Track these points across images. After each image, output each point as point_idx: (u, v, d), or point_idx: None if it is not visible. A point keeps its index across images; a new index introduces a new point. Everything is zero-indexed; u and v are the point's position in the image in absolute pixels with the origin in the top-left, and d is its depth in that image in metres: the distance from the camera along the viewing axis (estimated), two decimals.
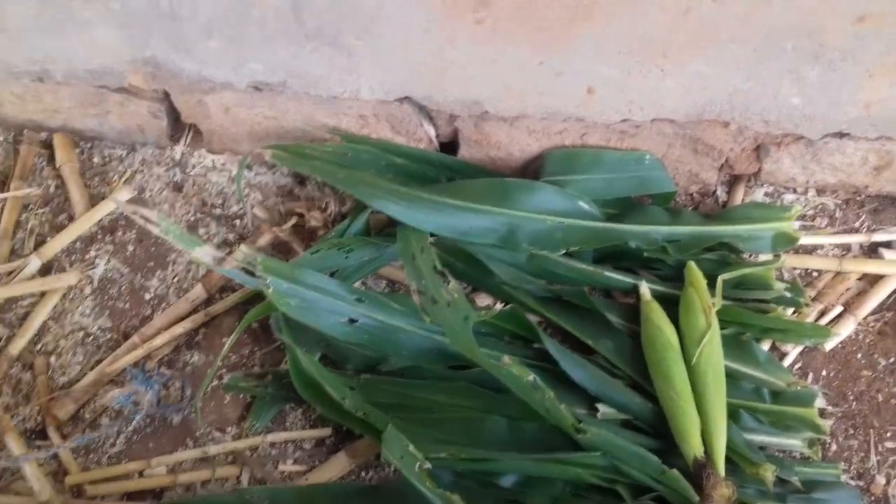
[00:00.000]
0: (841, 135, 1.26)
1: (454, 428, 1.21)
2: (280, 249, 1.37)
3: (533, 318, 1.36)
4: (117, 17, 1.15)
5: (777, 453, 1.26)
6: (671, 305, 1.29)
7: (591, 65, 1.15)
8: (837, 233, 1.42)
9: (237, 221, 1.40)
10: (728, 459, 1.17)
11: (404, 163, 1.35)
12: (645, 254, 1.30)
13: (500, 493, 1.18)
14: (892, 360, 1.32)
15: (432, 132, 1.34)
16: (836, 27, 1.05)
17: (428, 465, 1.05)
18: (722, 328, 1.26)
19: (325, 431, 1.26)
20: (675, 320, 1.27)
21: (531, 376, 1.13)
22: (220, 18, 1.13)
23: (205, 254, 1.10)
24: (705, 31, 1.07)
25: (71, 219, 1.39)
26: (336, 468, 1.23)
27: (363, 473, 1.25)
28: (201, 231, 1.39)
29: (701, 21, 1.05)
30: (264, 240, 1.35)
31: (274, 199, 1.39)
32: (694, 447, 1.16)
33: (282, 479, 1.23)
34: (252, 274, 1.13)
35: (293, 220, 1.33)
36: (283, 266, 1.16)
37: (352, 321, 1.20)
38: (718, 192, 1.45)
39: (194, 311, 1.31)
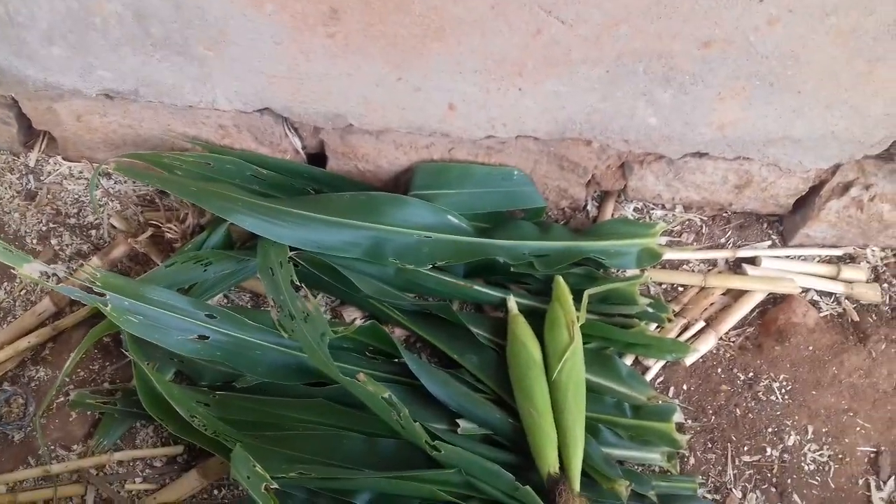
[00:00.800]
0: (700, 154, 1.29)
1: (309, 445, 1.18)
2: (138, 261, 1.32)
3: (402, 333, 1.35)
4: None
5: (636, 467, 1.27)
6: (540, 320, 1.29)
7: (449, 82, 1.14)
8: (703, 248, 1.45)
9: (93, 232, 1.35)
10: (585, 474, 1.18)
11: (269, 174, 1.32)
12: (512, 268, 1.30)
13: None
14: (750, 374, 1.34)
15: (298, 143, 1.31)
16: (684, 51, 1.07)
17: (274, 485, 1.02)
18: (586, 343, 1.27)
19: (177, 449, 1.22)
20: (541, 335, 1.27)
21: (386, 393, 1.11)
22: (59, 25, 1.08)
23: (33, 270, 1.05)
24: (557, 52, 1.07)
25: None
26: (187, 487, 1.19)
27: (216, 492, 1.21)
28: (53, 241, 1.33)
29: (552, 42, 1.06)
30: (119, 251, 1.30)
31: (133, 208, 1.34)
32: (549, 463, 1.16)
33: (129, 498, 1.18)
34: (93, 291, 1.09)
35: (149, 232, 1.28)
36: (125, 282, 1.12)
37: (202, 338, 1.16)
38: (589, 208, 1.46)
39: (41, 324, 1.25)
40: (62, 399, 1.22)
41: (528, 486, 1.12)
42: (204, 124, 1.27)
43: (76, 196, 1.37)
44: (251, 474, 1.02)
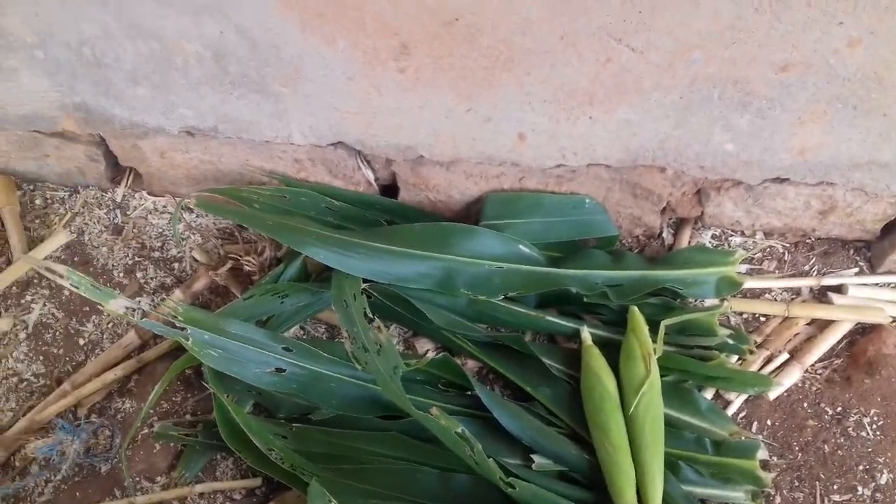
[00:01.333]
0: (780, 180, 1.24)
1: (383, 479, 1.18)
2: (218, 293, 1.35)
3: (474, 365, 1.34)
4: (42, 65, 1.15)
5: None
6: (614, 351, 1.26)
7: (519, 112, 1.14)
8: (785, 276, 1.40)
9: (176, 265, 1.39)
10: None
11: (342, 206, 1.34)
12: (585, 299, 1.28)
13: None
14: (839, 409, 1.28)
15: (370, 175, 1.33)
16: (761, 76, 1.04)
17: None
18: (663, 375, 1.24)
19: (256, 482, 1.24)
20: (616, 367, 1.24)
21: (459, 428, 1.10)
22: (143, 66, 1.13)
23: (119, 306, 1.09)
24: (628, 80, 1.06)
25: (9, 262, 1.38)
26: None
27: None
28: (139, 275, 1.38)
29: (622, 70, 1.04)
30: (201, 284, 1.34)
31: (213, 241, 1.38)
32: (627, 501, 1.13)
33: None
34: (174, 325, 1.12)
35: (229, 265, 1.31)
36: (206, 316, 1.15)
37: (279, 370, 1.18)
38: (665, 235, 1.43)
39: (127, 357, 1.30)
40: (146, 431, 1.25)
41: None
42: (280, 158, 1.30)
43: (160, 230, 1.42)
44: None
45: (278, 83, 1.14)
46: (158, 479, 1.23)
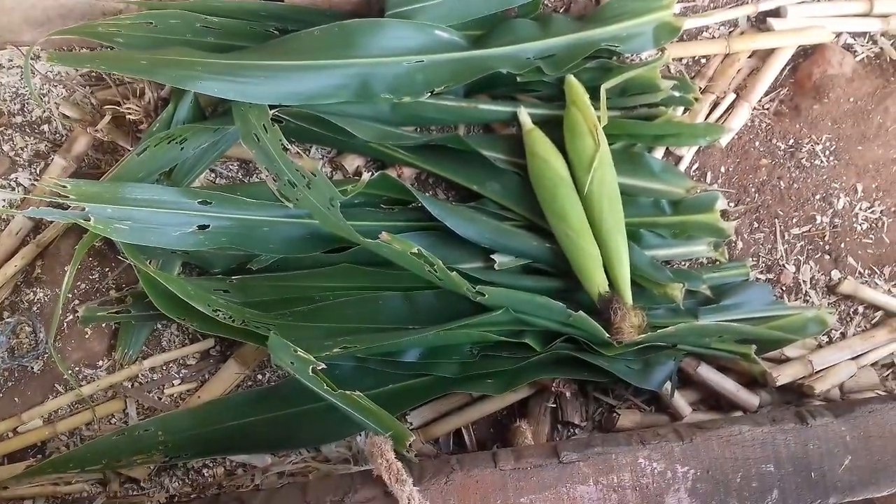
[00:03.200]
0: None
1: (345, 313, 1.11)
2: (104, 150, 1.17)
3: (410, 172, 1.23)
4: None
5: (683, 264, 1.21)
6: (557, 128, 1.17)
7: None
8: (722, 8, 1.29)
9: (45, 127, 1.18)
10: (635, 283, 1.12)
11: (223, 21, 1.14)
12: (518, 78, 1.16)
13: (406, 369, 1.12)
14: (791, 142, 1.24)
15: None
16: None
17: (321, 366, 0.96)
18: (611, 143, 1.16)
19: (208, 343, 1.15)
20: (562, 145, 1.15)
21: (415, 248, 1.01)
22: None
23: None
24: None
25: None
26: (229, 379, 1.14)
27: (259, 377, 1.16)
28: (6, 147, 1.17)
29: None
30: (81, 144, 1.15)
31: (81, 91, 1.17)
32: (598, 283, 1.10)
33: (172, 402, 1.13)
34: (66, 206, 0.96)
35: (108, 116, 1.12)
36: (101, 188, 0.98)
37: (202, 228, 1.05)
38: None
39: (23, 243, 1.13)
40: (71, 317, 1.13)
41: (581, 312, 1.06)
42: None
43: (14, 89, 1.19)
44: (294, 359, 0.95)
45: None
46: (100, 363, 1.13)
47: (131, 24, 1.10)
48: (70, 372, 1.11)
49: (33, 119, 1.18)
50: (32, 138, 1.18)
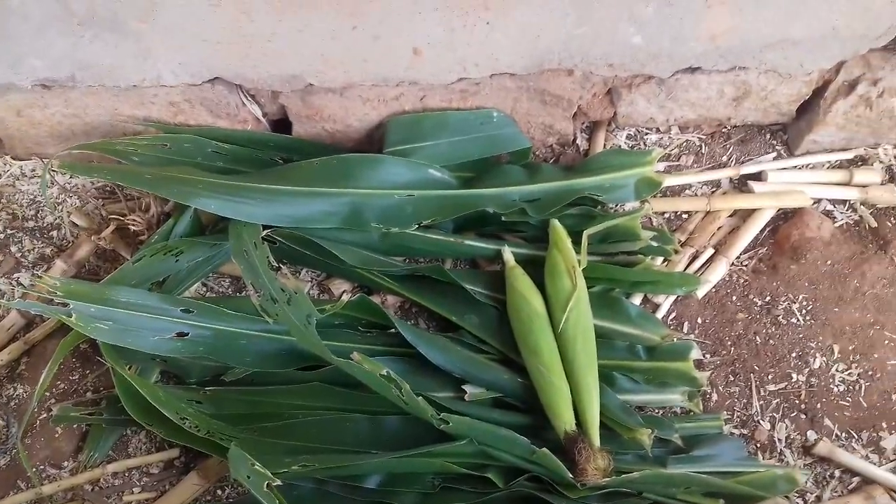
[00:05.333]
0: (692, 70, 1.18)
1: (310, 432, 1.11)
2: (105, 258, 1.23)
3: (394, 300, 1.27)
4: None
5: (657, 411, 1.21)
6: (539, 268, 1.21)
7: (409, 24, 1.03)
8: (704, 169, 1.36)
9: (54, 233, 1.26)
10: (604, 426, 1.12)
11: (232, 148, 1.23)
12: (503, 217, 1.22)
13: (366, 495, 1.10)
14: (767, 298, 1.27)
15: (257, 111, 1.22)
16: None
17: (277, 482, 0.95)
18: (590, 286, 1.19)
19: (173, 453, 1.15)
20: (542, 285, 1.19)
21: (384, 370, 1.03)
22: None
23: None
24: None
25: None
26: (188, 491, 1.13)
27: (219, 492, 1.15)
28: (13, 248, 1.24)
29: None
30: (84, 250, 1.21)
31: (93, 202, 1.25)
32: (565, 420, 1.09)
33: None
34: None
35: (113, 226, 1.19)
36: (88, 287, 1.03)
37: (181, 335, 1.08)
38: (579, 141, 1.36)
39: (12, 339, 1.18)
40: (45, 415, 1.15)
41: (545, 448, 1.05)
42: (153, 103, 1.17)
43: (31, 197, 1.28)
44: (251, 473, 0.95)
45: (134, 18, 1.00)
46: (65, 464, 1.14)
47: (147, 145, 1.19)
48: (34, 470, 1.12)
49: (44, 225, 1.26)
50: (40, 242, 1.25)
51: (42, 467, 1.13)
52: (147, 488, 1.14)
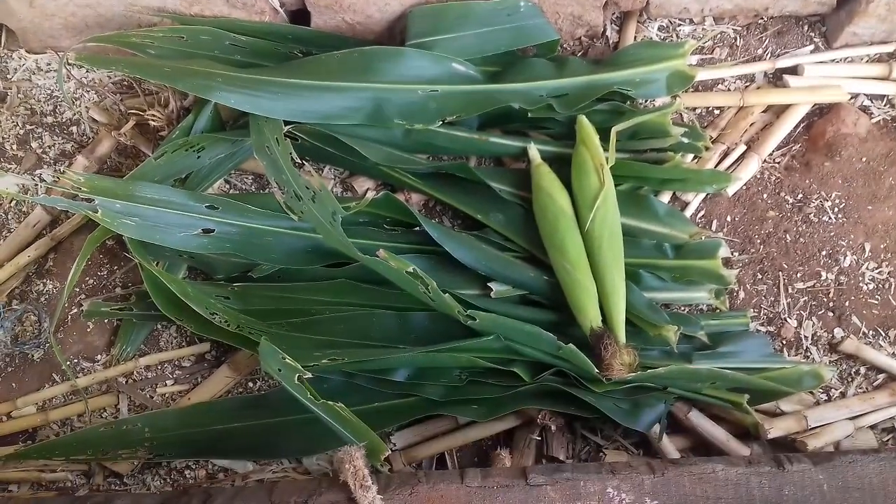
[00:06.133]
0: None
1: (338, 328, 1.12)
2: (127, 154, 1.22)
3: (419, 198, 1.26)
4: None
5: (683, 309, 1.20)
6: (565, 166, 1.18)
7: None
8: (739, 63, 1.31)
9: (74, 129, 1.24)
10: (630, 323, 1.12)
11: (250, 40, 1.19)
12: (530, 114, 1.18)
13: (395, 388, 1.12)
14: (799, 196, 1.24)
15: (275, 1, 1.17)
16: None
17: (308, 375, 0.97)
18: (618, 184, 1.17)
19: (204, 347, 1.17)
20: (568, 183, 1.17)
21: (410, 267, 1.03)
22: None
23: (8, 184, 0.96)
24: None
25: None
26: (220, 383, 1.15)
27: (251, 384, 1.17)
28: (34, 144, 1.23)
29: None
30: (105, 146, 1.20)
31: (111, 97, 1.23)
32: (591, 317, 1.10)
33: (163, 402, 1.15)
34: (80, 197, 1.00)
35: (133, 122, 1.17)
36: (113, 183, 1.03)
37: (207, 231, 1.08)
38: (608, 33, 1.31)
39: (39, 236, 1.18)
40: (76, 310, 1.16)
41: (571, 344, 1.06)
42: None
43: (49, 92, 1.25)
44: (282, 366, 0.97)
45: None
46: (98, 357, 1.16)
47: (163, 37, 1.16)
48: (68, 363, 1.14)
49: (63, 120, 1.24)
50: (60, 138, 1.23)
51: (76, 361, 1.15)
52: (180, 381, 1.16)
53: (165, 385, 1.16)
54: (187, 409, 1.13)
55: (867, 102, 1.29)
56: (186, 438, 1.11)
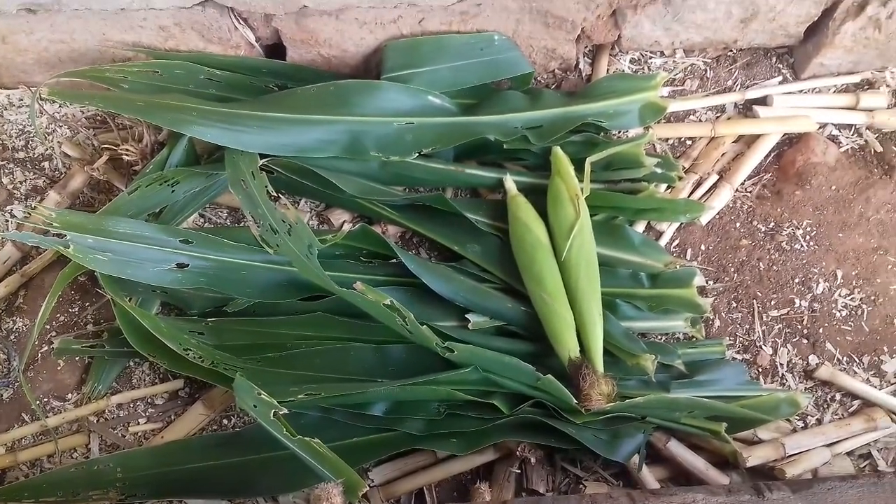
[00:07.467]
0: None
1: (315, 362, 1.11)
2: (99, 189, 1.21)
3: (395, 230, 1.26)
4: None
5: (659, 338, 1.21)
6: (541, 197, 1.19)
7: None
8: (709, 94, 1.33)
9: (46, 164, 1.23)
10: (608, 353, 1.12)
11: (225, 74, 1.19)
12: (505, 145, 1.19)
13: (372, 422, 1.11)
14: (771, 224, 1.26)
15: (250, 35, 1.17)
16: None
17: (284, 410, 0.96)
18: (593, 214, 1.18)
19: (177, 384, 1.15)
20: (545, 213, 1.18)
21: (387, 300, 1.03)
22: None
23: None
24: None
25: None
26: (194, 421, 1.13)
27: (225, 421, 1.15)
28: (5, 180, 1.21)
29: None
30: (78, 181, 1.19)
31: (84, 132, 1.22)
32: (569, 348, 1.09)
33: (136, 440, 1.13)
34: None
35: (106, 156, 1.16)
36: (85, 218, 1.01)
37: (181, 266, 1.07)
38: (581, 66, 1.33)
39: (9, 272, 1.16)
40: (46, 348, 1.14)
41: (549, 375, 1.06)
42: (142, 28, 1.13)
43: (21, 126, 1.24)
44: (257, 402, 0.95)
45: None
46: (69, 396, 1.14)
47: (138, 72, 1.16)
48: (38, 402, 1.12)
49: (35, 155, 1.23)
50: (32, 173, 1.22)
51: (46, 399, 1.13)
52: (153, 419, 1.14)
53: (138, 423, 1.13)
54: (160, 447, 1.10)
55: (835, 132, 1.32)
56: (160, 478, 1.08)
